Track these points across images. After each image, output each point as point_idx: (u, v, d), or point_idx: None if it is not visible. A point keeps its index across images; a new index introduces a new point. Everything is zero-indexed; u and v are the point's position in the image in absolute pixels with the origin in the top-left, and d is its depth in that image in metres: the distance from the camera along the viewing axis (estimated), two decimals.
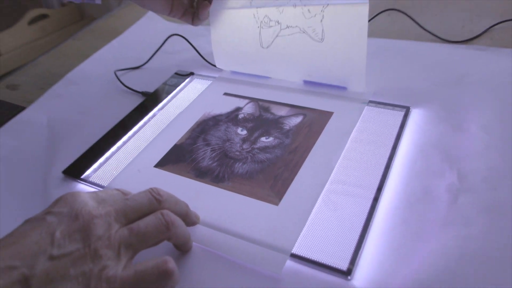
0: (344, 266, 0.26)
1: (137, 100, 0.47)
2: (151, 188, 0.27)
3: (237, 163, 0.35)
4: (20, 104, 0.51)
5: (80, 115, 0.46)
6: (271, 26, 0.41)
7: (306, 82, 0.44)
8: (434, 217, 0.29)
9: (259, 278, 0.27)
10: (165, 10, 0.42)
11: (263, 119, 0.40)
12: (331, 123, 0.38)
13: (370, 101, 0.40)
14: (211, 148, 0.37)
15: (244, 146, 0.37)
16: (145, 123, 0.43)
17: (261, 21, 0.42)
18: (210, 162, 0.36)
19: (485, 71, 0.43)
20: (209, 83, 0.47)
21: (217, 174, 0.35)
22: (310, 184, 0.32)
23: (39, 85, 0.55)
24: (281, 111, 0.40)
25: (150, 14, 0.66)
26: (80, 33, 0.69)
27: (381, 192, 0.31)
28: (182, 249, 0.29)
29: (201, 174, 0.35)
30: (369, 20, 0.56)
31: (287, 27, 0.40)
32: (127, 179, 0.36)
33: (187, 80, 0.49)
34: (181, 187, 0.34)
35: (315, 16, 0.39)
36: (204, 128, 0.40)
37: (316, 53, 0.40)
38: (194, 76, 0.50)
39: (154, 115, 0.44)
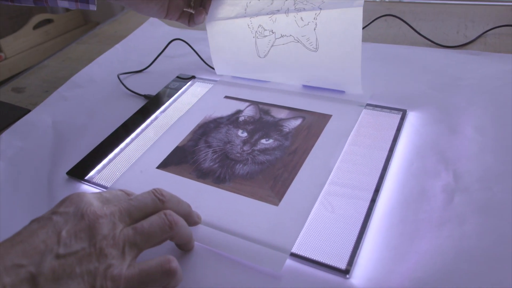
0: (342, 265, 0.27)
1: (139, 103, 0.48)
2: (154, 189, 0.28)
3: (238, 165, 0.36)
4: (26, 107, 0.51)
5: (84, 118, 0.47)
6: (266, 36, 0.42)
7: (305, 86, 0.45)
8: (430, 217, 0.30)
9: (259, 276, 0.28)
10: (161, 14, 0.43)
11: (263, 121, 0.41)
12: (329, 125, 0.38)
13: (368, 104, 0.41)
14: (213, 150, 0.38)
15: (245, 148, 0.38)
16: (147, 126, 0.44)
17: (256, 31, 0.43)
18: (211, 164, 0.37)
19: (479, 75, 0.44)
20: (210, 87, 0.48)
21: (218, 175, 0.35)
22: (309, 185, 0.33)
23: (44, 88, 0.56)
24: (281, 114, 0.41)
25: (153, 19, 0.67)
26: (84, 37, 0.70)
27: (379, 193, 0.32)
28: (184, 248, 0.30)
29: (202, 175, 0.36)
30: (366, 26, 0.57)
31: (282, 36, 0.41)
32: (130, 180, 0.37)
33: (189, 83, 0.50)
34: (183, 188, 0.35)
35: (308, 24, 0.39)
36: (206, 130, 0.41)
37: (312, 62, 0.41)
38: (196, 79, 0.51)
39: (156, 118, 0.45)
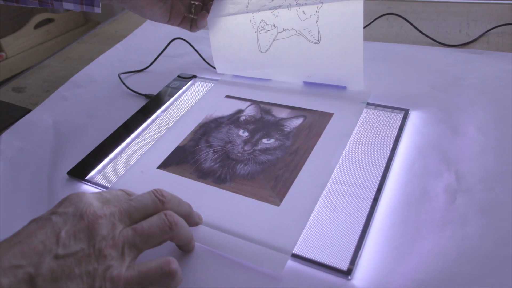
0: (344, 266, 0.27)
1: (140, 103, 0.48)
2: (155, 189, 0.28)
3: (239, 165, 0.36)
4: (26, 107, 0.51)
5: (84, 117, 0.47)
6: (268, 30, 0.42)
7: (306, 83, 0.44)
8: (432, 217, 0.30)
9: (260, 277, 0.27)
10: (164, 18, 0.43)
11: (264, 121, 0.41)
12: (331, 124, 0.38)
13: (370, 104, 0.41)
14: (213, 149, 0.38)
15: (246, 148, 0.37)
16: (148, 125, 0.44)
17: (258, 26, 0.43)
18: (212, 164, 0.37)
19: (481, 74, 0.43)
20: (211, 86, 0.48)
21: (219, 175, 0.35)
22: (310, 185, 0.33)
23: (45, 87, 0.56)
24: (282, 113, 0.41)
25: None
26: (85, 36, 0.70)
27: (381, 193, 0.32)
28: (184, 249, 0.30)
29: (203, 175, 0.36)
30: (368, 25, 0.57)
31: (284, 30, 0.41)
32: (131, 180, 0.37)
33: (190, 82, 0.50)
34: (184, 188, 0.34)
35: (310, 17, 0.39)
36: (206, 130, 0.41)
37: (314, 54, 0.41)
38: (197, 79, 0.51)
39: (157, 117, 0.45)
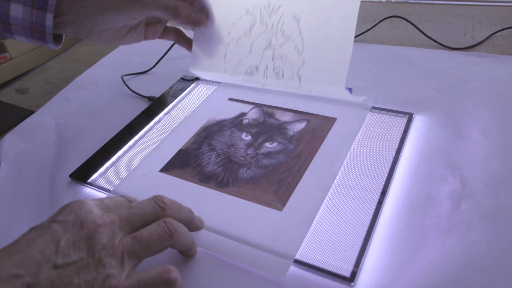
0: (347, 272, 0.27)
1: (143, 105, 0.48)
2: (155, 196, 0.28)
3: (242, 168, 0.36)
4: (29, 108, 0.52)
5: (87, 119, 0.47)
6: (254, 76, 0.41)
7: None
8: (437, 223, 0.29)
9: (262, 283, 0.27)
10: (139, 40, 0.41)
11: (267, 124, 0.40)
12: (334, 129, 0.38)
13: (374, 107, 0.40)
14: (216, 153, 0.38)
15: (249, 152, 0.37)
16: (151, 128, 0.44)
17: (242, 78, 0.42)
18: (214, 167, 0.36)
19: (486, 78, 0.43)
20: (214, 88, 0.48)
21: (221, 179, 0.35)
22: (313, 189, 0.32)
23: (48, 89, 0.56)
24: (285, 117, 0.41)
25: None
26: None
27: (385, 197, 0.31)
28: (186, 254, 0.29)
29: (205, 179, 0.35)
30: (372, 27, 0.57)
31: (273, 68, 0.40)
32: (133, 184, 0.36)
33: (193, 85, 0.50)
34: (186, 192, 0.34)
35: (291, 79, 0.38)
36: (209, 133, 0.41)
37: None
38: (200, 81, 0.51)
39: (160, 120, 0.45)
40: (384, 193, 0.32)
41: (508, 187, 0.31)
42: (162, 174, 0.37)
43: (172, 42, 0.56)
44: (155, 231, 0.25)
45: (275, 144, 0.38)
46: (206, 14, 0.41)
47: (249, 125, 0.41)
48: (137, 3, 0.35)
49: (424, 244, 0.28)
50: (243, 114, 0.42)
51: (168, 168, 0.37)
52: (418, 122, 0.39)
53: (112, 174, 0.38)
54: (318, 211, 0.31)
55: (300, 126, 0.39)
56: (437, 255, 0.27)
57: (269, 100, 0.43)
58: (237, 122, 0.41)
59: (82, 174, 0.39)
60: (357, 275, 0.27)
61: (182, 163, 0.38)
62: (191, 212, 0.30)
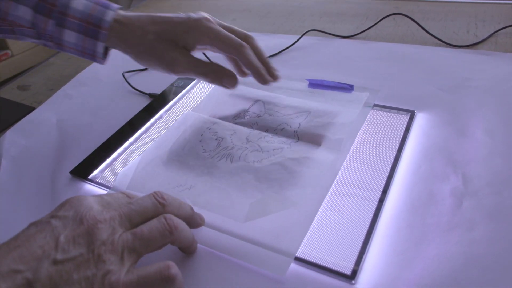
0: (348, 270, 0.27)
1: (144, 102, 0.48)
2: (155, 192, 0.27)
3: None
4: (30, 105, 0.52)
5: (88, 116, 0.47)
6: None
7: (311, 85, 0.44)
8: (438, 222, 0.29)
9: (263, 280, 0.27)
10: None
11: (268, 120, 0.40)
12: (336, 126, 0.38)
13: (376, 105, 0.40)
14: (217, 149, 0.38)
15: (250, 147, 0.37)
16: (152, 124, 0.44)
17: None
18: (215, 164, 0.36)
19: (489, 76, 0.43)
20: (215, 85, 0.48)
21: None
22: (315, 187, 0.32)
23: (49, 86, 0.56)
24: (286, 112, 0.41)
25: None
26: None
27: (386, 195, 0.31)
28: (186, 251, 0.29)
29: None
30: (374, 24, 0.56)
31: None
32: (131, 177, 0.36)
33: (194, 82, 0.50)
34: (186, 179, 0.34)
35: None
36: (211, 129, 0.41)
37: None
38: None
39: (161, 117, 0.45)
40: (385, 191, 0.31)
41: (511, 186, 0.31)
42: (162, 170, 0.37)
43: None
44: (155, 227, 0.25)
45: (276, 137, 0.38)
46: None
47: (250, 121, 0.41)
48: (169, 68, 0.35)
49: (426, 242, 0.28)
50: (244, 110, 0.42)
51: (168, 164, 0.37)
52: (420, 120, 0.38)
53: (112, 171, 0.38)
54: (319, 208, 0.31)
55: (301, 121, 0.39)
56: (439, 254, 0.27)
57: (271, 97, 0.43)
58: (238, 118, 0.41)
59: (83, 171, 0.39)
60: (358, 273, 0.26)
61: (181, 153, 0.37)
62: (191, 208, 0.29)
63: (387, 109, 0.40)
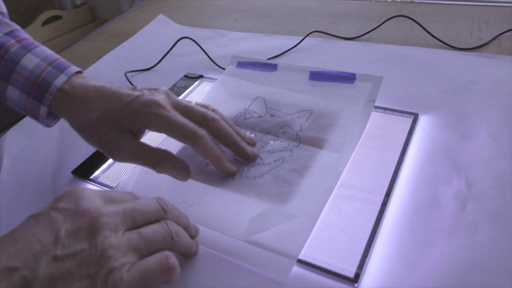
0: (351, 273, 0.27)
1: None
2: (158, 198, 0.27)
3: (245, 166, 0.35)
4: None
5: None
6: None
7: (312, 75, 0.42)
8: (442, 225, 0.29)
9: (265, 283, 0.27)
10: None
11: (270, 121, 0.40)
12: (338, 127, 0.38)
13: (379, 107, 0.40)
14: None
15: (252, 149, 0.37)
16: None
17: None
18: None
19: (492, 79, 0.43)
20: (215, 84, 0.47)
21: (225, 176, 0.35)
22: (318, 189, 0.32)
23: None
24: (288, 111, 0.40)
25: (161, 17, 0.67)
26: (92, 34, 0.70)
27: (389, 198, 0.31)
28: (186, 255, 0.29)
29: (208, 176, 0.35)
30: (377, 26, 0.56)
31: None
32: (136, 181, 0.36)
33: (196, 82, 0.50)
34: (189, 189, 0.34)
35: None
36: None
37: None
38: (203, 79, 0.50)
39: None
40: (388, 194, 0.31)
41: None
42: (165, 180, 0.36)
43: (176, 39, 0.56)
44: (159, 232, 0.25)
45: (278, 141, 0.37)
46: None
47: (252, 122, 0.40)
48: (109, 155, 0.32)
49: (429, 246, 0.28)
50: (245, 111, 0.42)
51: None
52: (423, 122, 0.38)
53: (114, 171, 0.38)
54: (322, 211, 0.30)
55: (304, 121, 0.39)
56: (442, 257, 0.27)
57: (272, 96, 0.43)
58: (240, 119, 0.41)
59: (85, 171, 0.38)
60: (361, 276, 0.26)
61: (185, 160, 0.37)
62: (187, 219, 0.29)
63: (390, 112, 0.40)
